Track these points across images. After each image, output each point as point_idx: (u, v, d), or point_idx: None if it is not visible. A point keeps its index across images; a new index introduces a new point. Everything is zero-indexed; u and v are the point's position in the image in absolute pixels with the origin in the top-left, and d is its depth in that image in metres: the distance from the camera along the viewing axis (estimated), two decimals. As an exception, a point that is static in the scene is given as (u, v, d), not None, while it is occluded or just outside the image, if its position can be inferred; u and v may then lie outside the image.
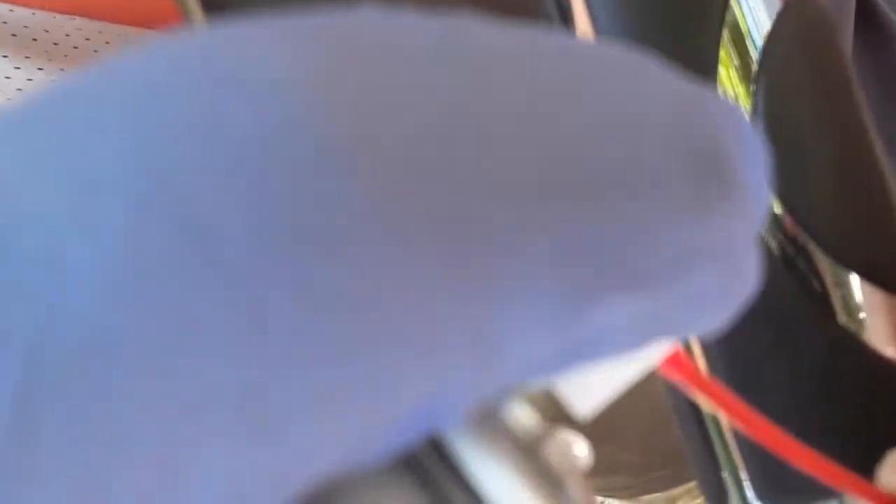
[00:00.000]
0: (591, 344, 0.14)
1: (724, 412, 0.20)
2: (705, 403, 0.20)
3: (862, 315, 0.28)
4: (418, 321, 0.12)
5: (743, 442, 0.28)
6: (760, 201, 0.15)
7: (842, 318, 0.27)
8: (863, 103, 0.28)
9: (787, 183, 0.27)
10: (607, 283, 0.13)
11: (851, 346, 0.27)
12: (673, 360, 0.18)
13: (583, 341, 0.14)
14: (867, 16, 0.29)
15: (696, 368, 0.19)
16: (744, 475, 0.28)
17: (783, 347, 0.27)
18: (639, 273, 0.14)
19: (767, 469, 0.28)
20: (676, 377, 0.19)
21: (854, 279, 0.28)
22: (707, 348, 0.28)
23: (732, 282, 0.15)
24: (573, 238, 0.13)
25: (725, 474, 0.29)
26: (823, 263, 0.28)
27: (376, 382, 0.12)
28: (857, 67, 0.28)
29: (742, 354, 0.28)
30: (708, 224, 0.14)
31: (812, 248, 0.27)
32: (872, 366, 0.27)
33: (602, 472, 0.66)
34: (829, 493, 0.27)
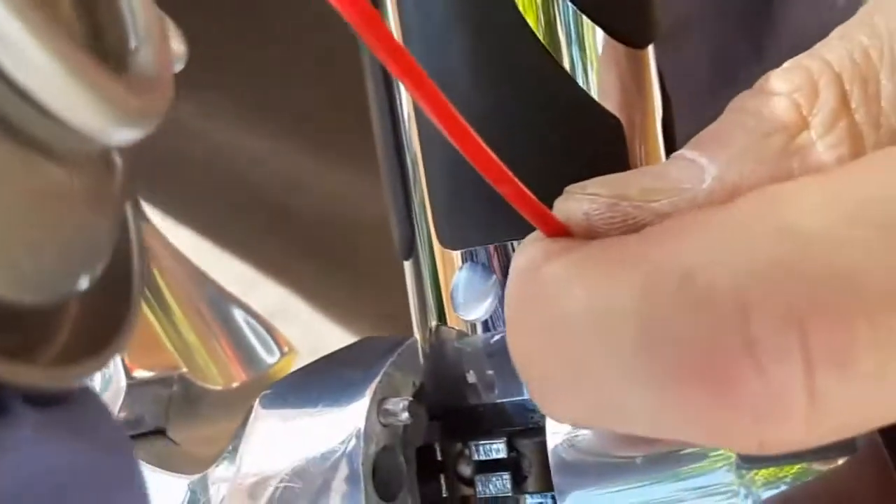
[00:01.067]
0: None
1: (404, 81, 0.17)
2: (388, 65, 0.16)
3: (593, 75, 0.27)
4: None
5: (433, 180, 0.27)
6: None
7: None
8: None
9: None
10: None
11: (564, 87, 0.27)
12: None
13: None
14: None
15: (377, 15, 0.17)
16: (431, 219, 0.27)
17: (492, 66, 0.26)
18: None
19: (452, 210, 0.27)
20: (353, 19, 0.15)
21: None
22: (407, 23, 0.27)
23: None
24: None
25: (414, 217, 0.28)
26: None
27: None
28: None
29: (443, 48, 0.27)
30: None
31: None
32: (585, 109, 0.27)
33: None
34: (502, 234, 0.26)
